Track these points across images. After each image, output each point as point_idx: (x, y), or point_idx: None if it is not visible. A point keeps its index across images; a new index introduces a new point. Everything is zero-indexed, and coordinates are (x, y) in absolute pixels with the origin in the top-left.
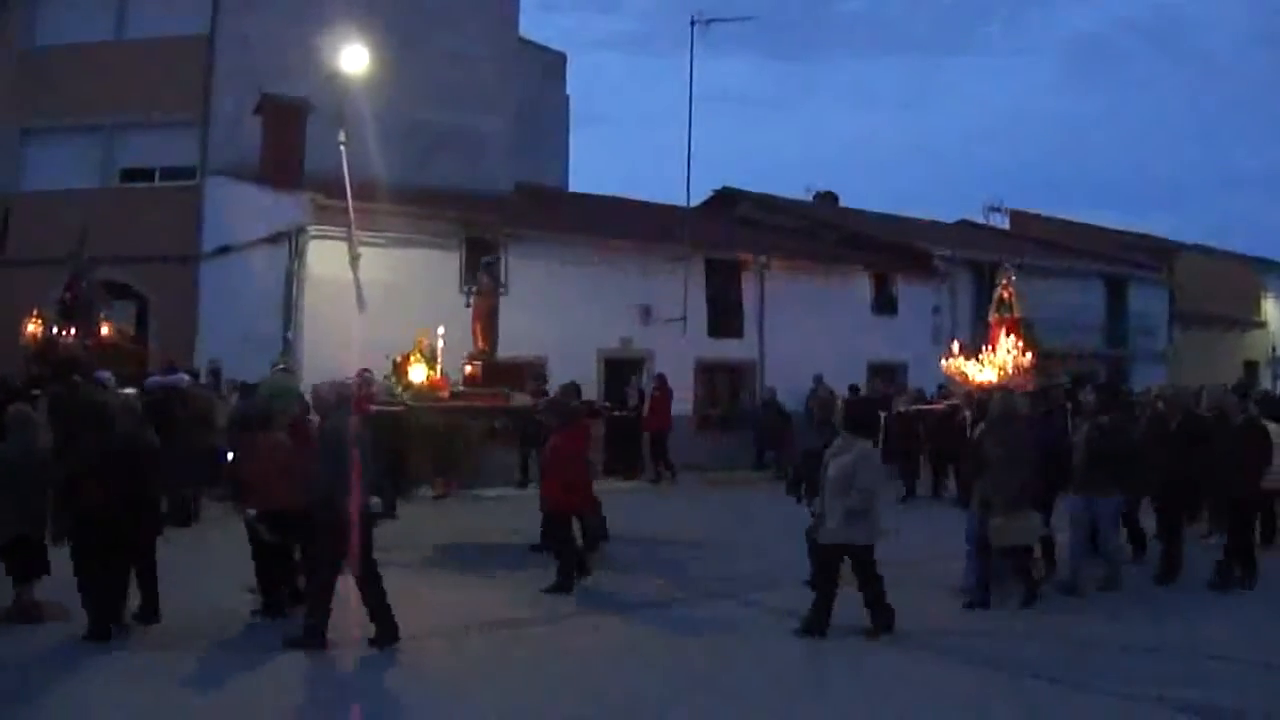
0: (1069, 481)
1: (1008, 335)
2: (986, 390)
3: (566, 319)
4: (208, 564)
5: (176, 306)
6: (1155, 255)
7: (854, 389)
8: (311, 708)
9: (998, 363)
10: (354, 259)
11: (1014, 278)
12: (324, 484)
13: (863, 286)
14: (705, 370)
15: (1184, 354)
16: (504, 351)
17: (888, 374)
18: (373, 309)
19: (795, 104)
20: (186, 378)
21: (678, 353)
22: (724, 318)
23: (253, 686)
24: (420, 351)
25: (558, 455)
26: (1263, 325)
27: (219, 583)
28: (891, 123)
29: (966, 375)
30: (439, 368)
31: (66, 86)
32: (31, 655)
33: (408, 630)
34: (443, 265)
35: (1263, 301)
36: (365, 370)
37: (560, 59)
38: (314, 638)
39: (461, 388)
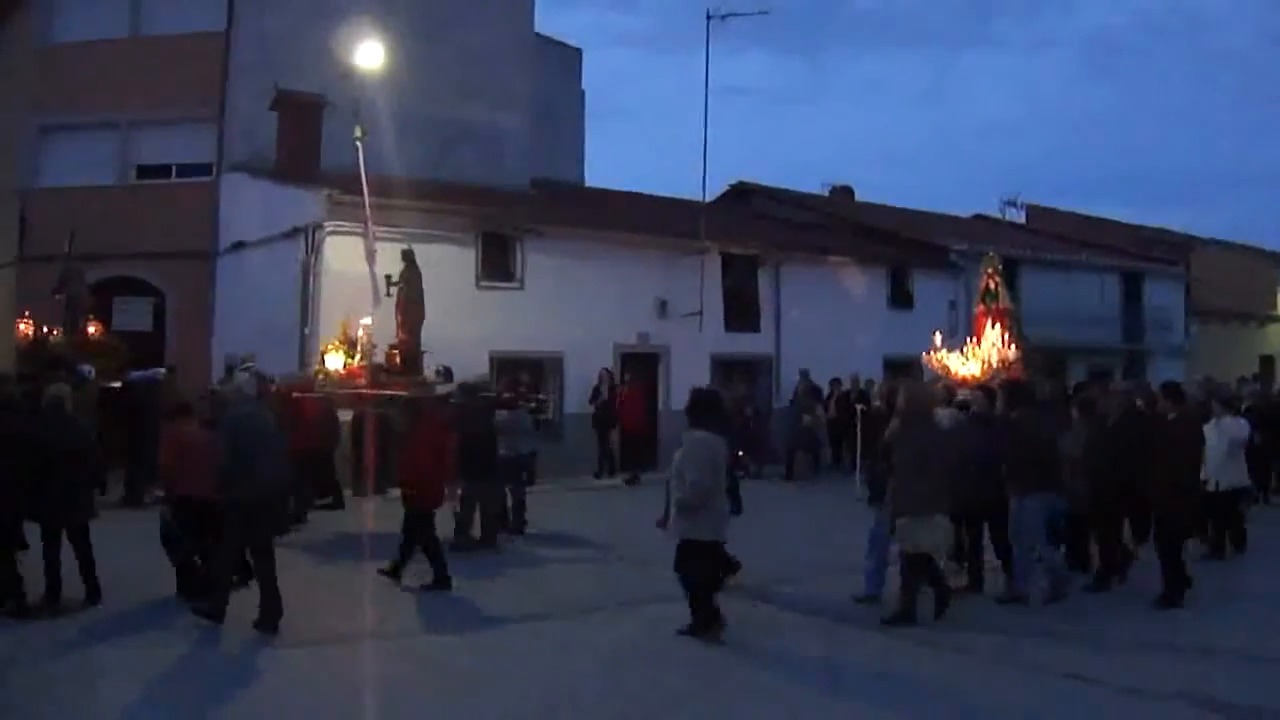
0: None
1: (994, 326)
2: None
3: (583, 314)
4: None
5: (193, 302)
6: (1172, 250)
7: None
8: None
9: (982, 355)
10: (370, 254)
11: (1000, 266)
12: (225, 472)
13: (879, 281)
14: (722, 365)
15: (1201, 349)
16: (520, 347)
17: (903, 369)
18: (390, 304)
19: (810, 98)
20: (163, 372)
21: (694, 347)
22: (740, 312)
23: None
24: (342, 341)
25: (411, 453)
26: (1279, 320)
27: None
28: (907, 117)
29: (949, 369)
30: (358, 357)
31: (83, 83)
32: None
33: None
34: (459, 260)
35: None
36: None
37: (576, 54)
38: (216, 614)
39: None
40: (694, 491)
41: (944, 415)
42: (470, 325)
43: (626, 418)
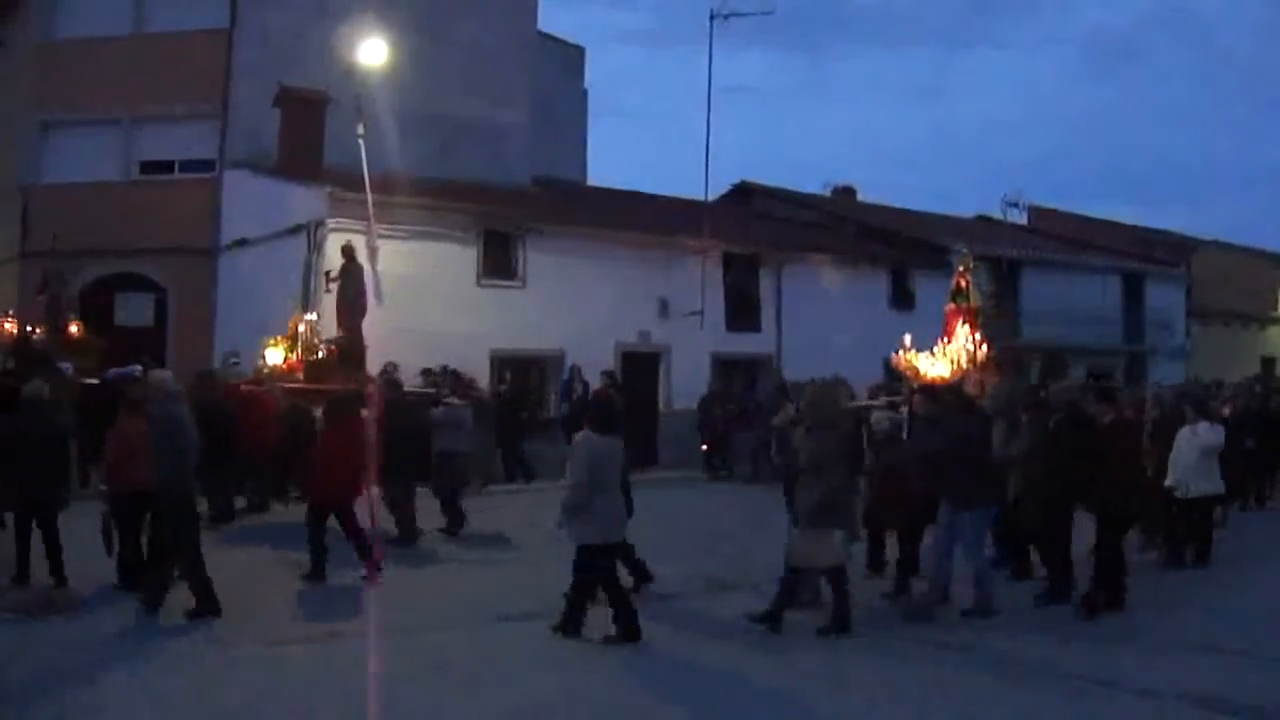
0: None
1: (964, 326)
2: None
3: (584, 312)
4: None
5: (195, 298)
6: (1173, 250)
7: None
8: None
9: (951, 355)
10: (372, 252)
11: (972, 264)
12: (161, 466)
13: (880, 281)
14: (722, 364)
15: (1202, 350)
16: (520, 345)
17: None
18: (391, 301)
19: (812, 97)
20: (139, 369)
21: (695, 346)
22: (741, 312)
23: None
24: (290, 335)
25: (323, 450)
26: None
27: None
28: (908, 115)
29: (918, 369)
30: (299, 352)
31: (86, 79)
32: None
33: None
34: (461, 258)
35: None
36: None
37: (578, 53)
38: (153, 603)
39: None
40: (571, 494)
41: (883, 418)
42: (471, 323)
43: None
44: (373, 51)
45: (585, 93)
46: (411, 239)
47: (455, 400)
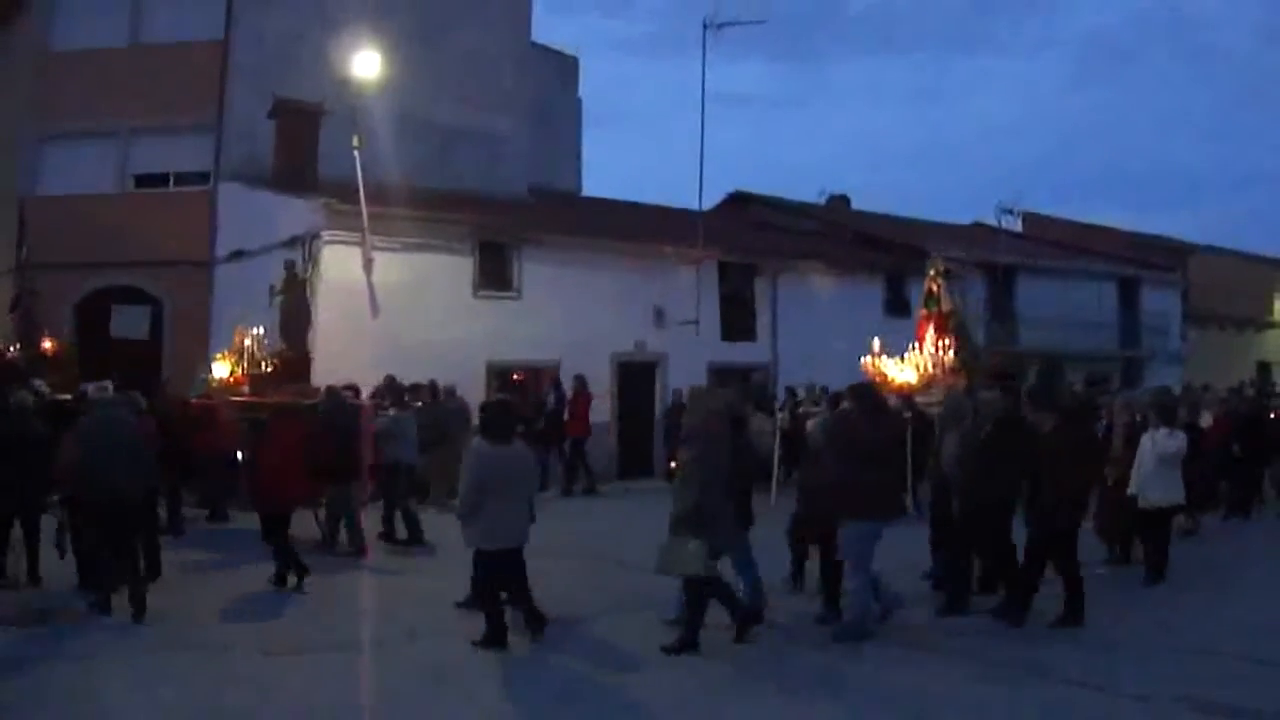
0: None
1: (935, 332)
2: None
3: (580, 322)
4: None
5: (190, 311)
6: (1169, 255)
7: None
8: None
9: (918, 362)
10: (367, 263)
11: (944, 269)
12: (77, 471)
13: (875, 288)
14: (718, 373)
15: (1198, 354)
16: (517, 356)
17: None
18: (386, 313)
19: (807, 105)
20: (110, 385)
21: (691, 355)
22: (737, 320)
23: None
24: (236, 349)
25: (262, 461)
26: (1277, 325)
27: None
28: (903, 123)
29: (886, 375)
30: (244, 365)
31: (82, 91)
32: None
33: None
34: (456, 269)
35: (1277, 301)
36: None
37: (573, 62)
38: (102, 607)
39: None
40: (460, 501)
41: (816, 429)
42: (467, 334)
43: (575, 425)
44: (367, 63)
45: (580, 102)
46: (407, 250)
47: (392, 411)
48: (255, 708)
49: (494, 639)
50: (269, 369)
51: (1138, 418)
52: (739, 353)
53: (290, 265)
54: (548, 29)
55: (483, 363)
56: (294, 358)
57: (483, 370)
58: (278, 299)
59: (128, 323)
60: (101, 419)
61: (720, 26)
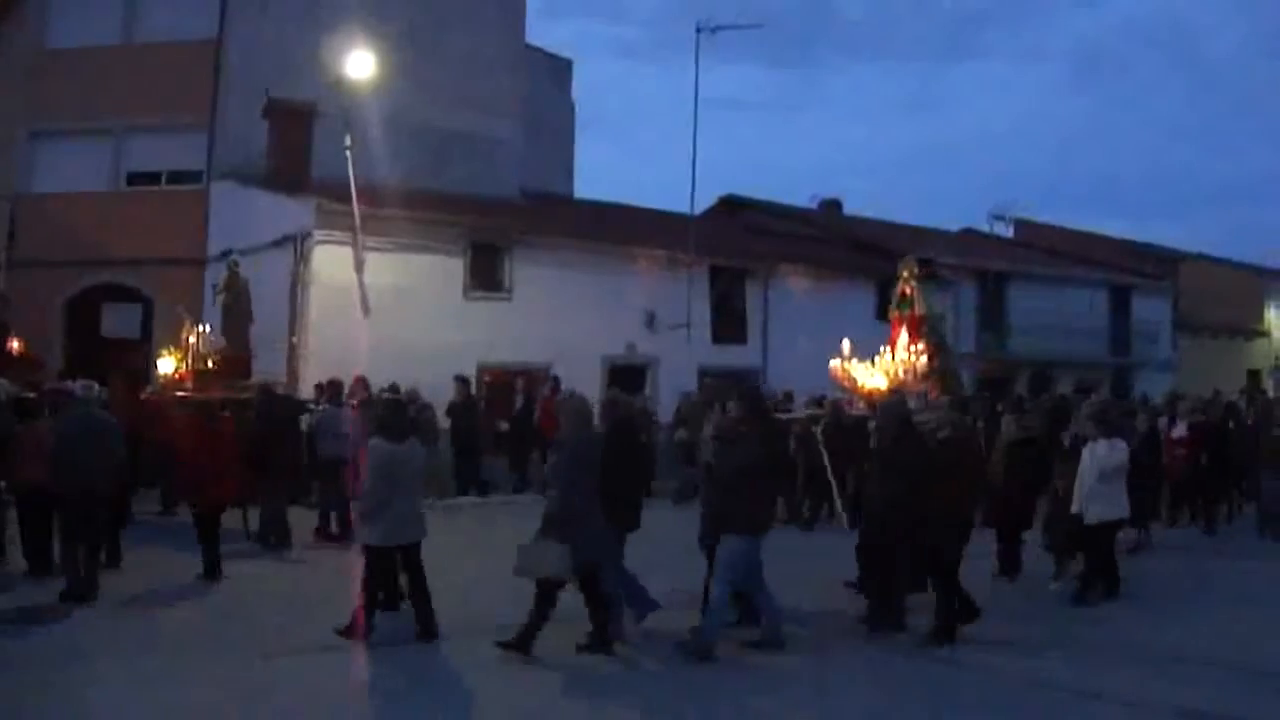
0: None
1: (908, 336)
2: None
3: (572, 325)
4: None
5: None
6: (1159, 264)
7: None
8: None
9: (888, 366)
10: (359, 264)
11: (916, 270)
12: (53, 464)
13: (867, 293)
14: (709, 377)
15: (1188, 363)
16: (508, 357)
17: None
18: (378, 313)
19: (799, 110)
20: (75, 385)
21: (682, 359)
22: (728, 324)
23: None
24: (182, 346)
25: (193, 457)
26: (1266, 334)
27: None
28: (897, 129)
29: (855, 380)
30: (188, 361)
31: (75, 90)
32: None
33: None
34: (448, 270)
35: (1266, 310)
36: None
37: (566, 65)
38: (72, 599)
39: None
40: (362, 499)
41: (707, 432)
42: (458, 335)
43: (548, 427)
44: (360, 64)
45: (573, 105)
46: (399, 251)
47: (324, 406)
48: (253, 708)
49: (354, 635)
50: (211, 366)
51: (1075, 432)
52: (729, 356)
53: (233, 264)
54: (541, 32)
55: (474, 363)
56: (233, 356)
57: (474, 371)
58: (219, 296)
59: (119, 321)
60: (82, 416)
61: (714, 31)
